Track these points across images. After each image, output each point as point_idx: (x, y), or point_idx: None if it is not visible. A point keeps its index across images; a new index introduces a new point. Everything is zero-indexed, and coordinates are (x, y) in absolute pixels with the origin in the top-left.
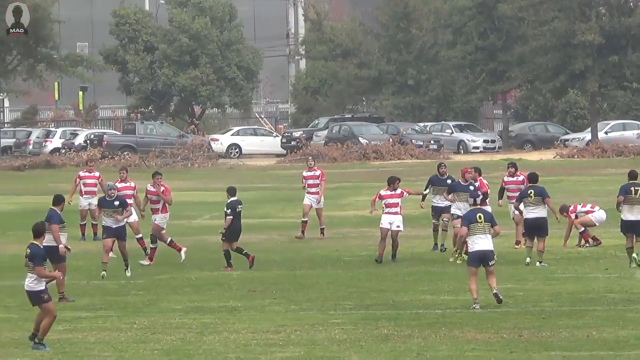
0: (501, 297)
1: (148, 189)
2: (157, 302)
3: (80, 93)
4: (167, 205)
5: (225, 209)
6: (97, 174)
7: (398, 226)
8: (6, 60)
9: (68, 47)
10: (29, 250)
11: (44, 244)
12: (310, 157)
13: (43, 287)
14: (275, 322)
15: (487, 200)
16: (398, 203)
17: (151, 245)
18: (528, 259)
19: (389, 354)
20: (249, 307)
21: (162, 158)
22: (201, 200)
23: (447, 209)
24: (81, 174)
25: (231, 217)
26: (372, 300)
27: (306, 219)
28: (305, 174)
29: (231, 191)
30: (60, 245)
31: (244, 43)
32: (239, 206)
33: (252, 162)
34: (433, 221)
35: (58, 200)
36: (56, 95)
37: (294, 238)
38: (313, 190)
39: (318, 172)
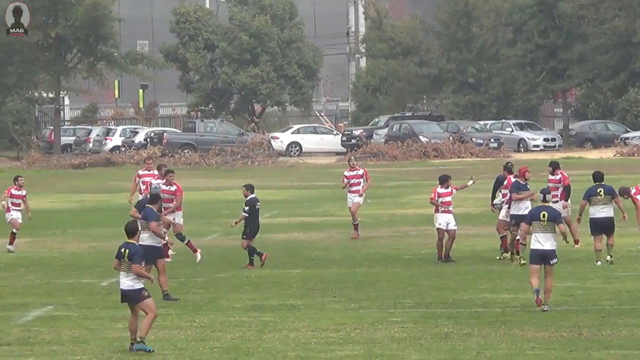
0: (546, 308)
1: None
2: (216, 300)
3: (141, 91)
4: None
5: (243, 206)
6: (156, 171)
7: (455, 225)
8: (67, 58)
9: (128, 45)
10: (126, 250)
11: (140, 243)
12: (352, 157)
13: (142, 285)
14: (335, 321)
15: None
16: (451, 201)
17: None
18: (599, 262)
19: (448, 352)
20: (309, 306)
21: (222, 156)
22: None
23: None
24: (140, 172)
25: (247, 214)
26: (431, 298)
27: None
28: (347, 173)
29: (250, 188)
30: (165, 238)
31: (304, 41)
32: (258, 204)
33: (312, 160)
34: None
35: (154, 198)
36: (116, 93)
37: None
38: (355, 189)
39: (361, 172)
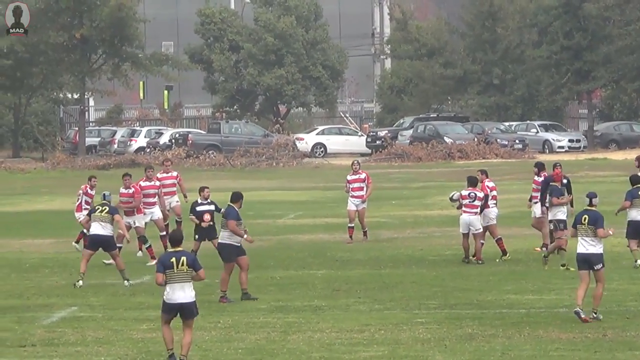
0: (587, 317)
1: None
2: (241, 301)
3: (165, 92)
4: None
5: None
6: (174, 173)
7: (478, 229)
8: (92, 59)
9: (153, 46)
10: (182, 258)
11: (220, 241)
12: (355, 161)
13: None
14: (359, 322)
15: (488, 203)
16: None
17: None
18: (639, 262)
19: (473, 353)
20: (333, 307)
21: (247, 157)
22: (286, 200)
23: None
24: (159, 175)
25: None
26: (456, 299)
27: (352, 225)
28: (349, 177)
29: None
30: (245, 236)
31: (329, 42)
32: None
33: (337, 161)
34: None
35: (237, 197)
36: (141, 95)
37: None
38: (357, 194)
39: (363, 175)
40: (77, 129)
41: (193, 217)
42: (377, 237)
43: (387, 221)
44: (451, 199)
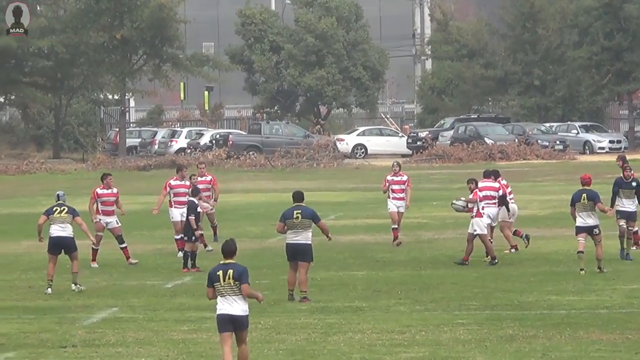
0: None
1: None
2: (282, 302)
3: (206, 93)
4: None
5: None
6: (209, 177)
7: (475, 230)
8: (132, 60)
9: (194, 47)
10: (230, 271)
11: (287, 242)
12: (396, 162)
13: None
14: (400, 323)
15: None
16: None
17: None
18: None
19: (513, 354)
20: (374, 308)
21: (288, 158)
22: (326, 201)
23: (633, 215)
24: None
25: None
26: (497, 300)
27: (396, 226)
28: (390, 177)
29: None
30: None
31: (370, 43)
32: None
33: (377, 162)
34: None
35: (299, 196)
36: (182, 95)
37: (391, 243)
38: (398, 195)
39: (405, 178)
40: (117, 129)
41: (193, 218)
42: (417, 238)
43: (428, 222)
44: (456, 209)
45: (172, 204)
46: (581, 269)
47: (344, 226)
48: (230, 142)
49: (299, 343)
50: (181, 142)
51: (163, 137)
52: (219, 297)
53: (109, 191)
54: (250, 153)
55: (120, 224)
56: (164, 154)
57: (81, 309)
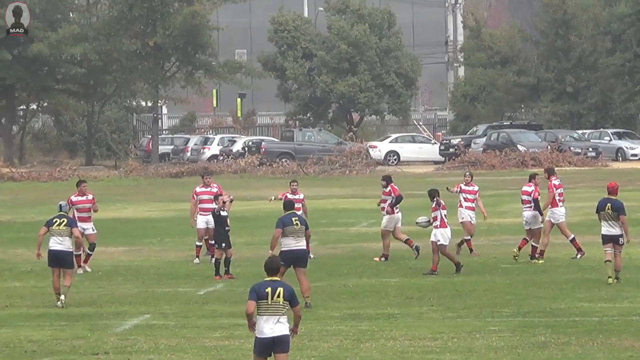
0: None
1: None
2: (314, 309)
3: (239, 100)
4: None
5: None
6: (214, 189)
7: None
8: (165, 67)
9: (226, 54)
10: (279, 289)
11: (285, 249)
12: (468, 172)
13: None
14: (432, 329)
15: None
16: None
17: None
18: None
19: None
20: (406, 314)
21: (320, 165)
22: (359, 208)
23: None
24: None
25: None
26: (529, 307)
27: (469, 237)
28: (464, 187)
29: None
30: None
31: (403, 50)
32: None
33: (410, 169)
34: None
35: (293, 205)
36: (214, 102)
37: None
38: (470, 205)
39: (476, 188)
40: (150, 136)
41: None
42: (450, 245)
43: (460, 229)
44: (422, 226)
45: (199, 210)
46: (609, 277)
47: (376, 233)
48: (263, 149)
49: (332, 350)
50: (214, 149)
51: (195, 144)
52: (260, 316)
53: (84, 198)
54: (283, 160)
55: (96, 231)
56: (197, 161)
57: (113, 315)
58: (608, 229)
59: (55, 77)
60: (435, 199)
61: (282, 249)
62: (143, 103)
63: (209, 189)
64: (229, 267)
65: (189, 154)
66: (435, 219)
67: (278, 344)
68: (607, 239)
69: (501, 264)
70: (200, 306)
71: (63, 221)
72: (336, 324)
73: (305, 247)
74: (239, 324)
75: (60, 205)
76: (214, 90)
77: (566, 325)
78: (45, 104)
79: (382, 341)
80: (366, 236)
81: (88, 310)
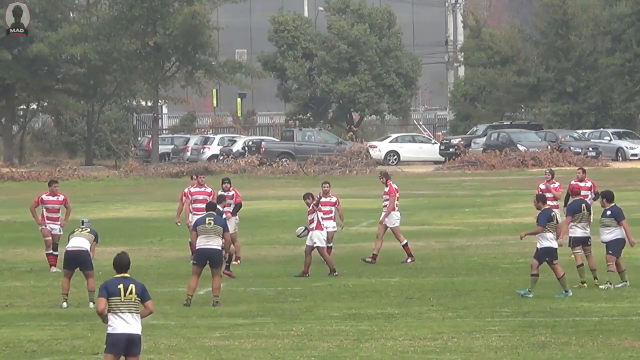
0: None
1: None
2: (314, 309)
3: (239, 100)
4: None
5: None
6: (209, 189)
7: (314, 242)
8: (165, 67)
9: (226, 54)
10: None
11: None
12: (548, 170)
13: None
14: (432, 329)
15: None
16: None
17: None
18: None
19: None
20: (406, 314)
21: (320, 165)
22: (359, 207)
23: None
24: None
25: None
26: (529, 307)
27: None
28: (542, 186)
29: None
30: None
31: (403, 50)
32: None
33: (410, 169)
34: None
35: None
36: (214, 102)
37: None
38: (552, 203)
39: (557, 184)
40: (150, 136)
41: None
42: (449, 245)
43: (460, 229)
44: (300, 235)
45: (192, 210)
46: (583, 282)
47: (376, 233)
48: (263, 149)
49: (331, 350)
50: (214, 148)
51: (195, 144)
52: (111, 314)
53: (54, 198)
54: (283, 160)
55: (62, 232)
56: (197, 161)
57: None
58: (584, 230)
59: (55, 77)
60: (312, 203)
61: (196, 248)
62: (143, 103)
63: (203, 189)
64: (229, 262)
65: (189, 153)
66: (311, 221)
67: (131, 343)
68: (579, 241)
69: (501, 264)
70: (200, 306)
71: (86, 229)
72: (336, 323)
73: (218, 247)
74: (239, 324)
75: (83, 221)
76: (214, 90)
77: (566, 325)
78: (45, 103)
79: (382, 341)
80: (366, 236)
81: (88, 310)
